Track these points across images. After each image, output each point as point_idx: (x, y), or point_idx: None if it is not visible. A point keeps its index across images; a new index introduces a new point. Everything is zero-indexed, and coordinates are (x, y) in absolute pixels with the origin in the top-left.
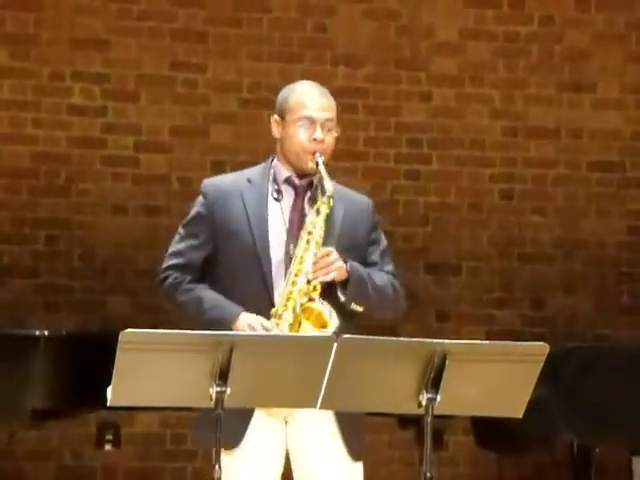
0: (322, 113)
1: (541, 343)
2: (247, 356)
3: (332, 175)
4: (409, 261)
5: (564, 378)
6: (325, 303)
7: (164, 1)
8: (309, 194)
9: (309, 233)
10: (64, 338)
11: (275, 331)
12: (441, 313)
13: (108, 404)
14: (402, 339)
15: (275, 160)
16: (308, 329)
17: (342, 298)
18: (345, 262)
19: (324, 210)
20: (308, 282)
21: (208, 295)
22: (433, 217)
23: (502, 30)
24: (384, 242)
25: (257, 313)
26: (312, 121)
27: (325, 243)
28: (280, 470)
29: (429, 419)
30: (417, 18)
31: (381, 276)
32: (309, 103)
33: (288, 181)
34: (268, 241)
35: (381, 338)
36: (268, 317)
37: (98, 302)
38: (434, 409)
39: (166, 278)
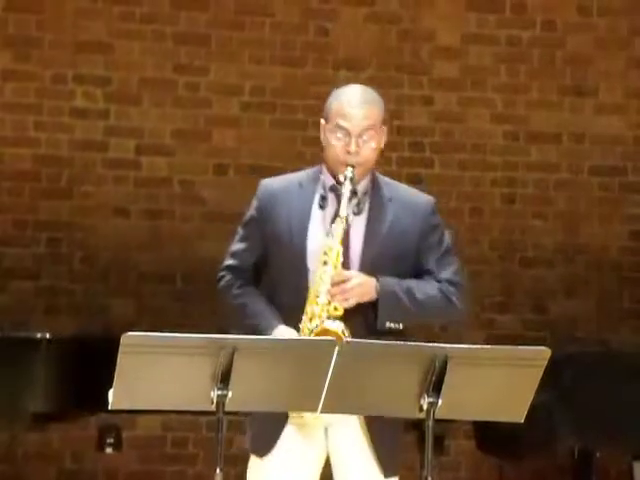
0: (359, 123)
1: (542, 348)
2: (249, 359)
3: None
4: None
5: (565, 383)
6: (339, 323)
7: (166, 4)
8: (354, 201)
9: (325, 254)
10: (65, 341)
11: None
12: None
13: (109, 407)
14: (403, 343)
15: (323, 164)
16: None
17: (374, 317)
18: (377, 280)
19: (338, 232)
20: (329, 303)
21: (252, 303)
22: None
23: (504, 34)
24: (445, 246)
25: (292, 322)
26: (347, 132)
27: (365, 252)
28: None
29: (430, 423)
30: (419, 22)
31: (428, 288)
32: (346, 111)
33: (333, 189)
34: (306, 251)
35: (382, 342)
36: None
37: (100, 305)
38: (435, 413)
39: (222, 278)
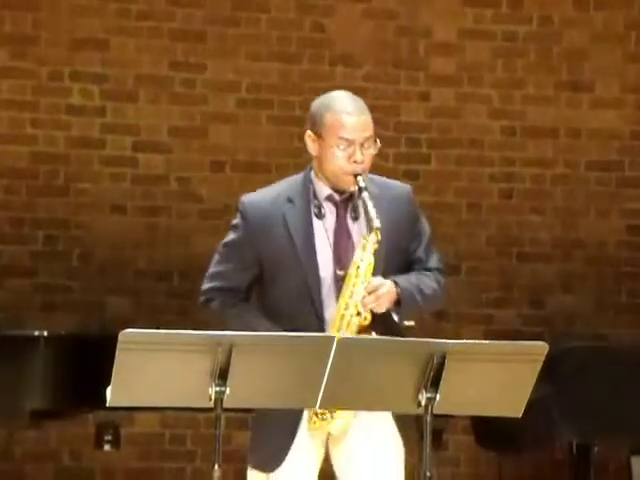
0: (361, 133)
1: (540, 343)
2: (246, 356)
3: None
4: None
5: (563, 377)
6: (374, 334)
7: (162, 1)
8: (350, 207)
9: (357, 268)
10: (63, 338)
11: None
12: (440, 313)
13: (107, 404)
14: (401, 339)
15: (312, 175)
16: None
17: (396, 319)
18: (396, 284)
19: (371, 245)
20: (358, 314)
21: (254, 321)
22: (432, 217)
23: (501, 30)
24: (427, 232)
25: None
26: (351, 143)
27: (376, 251)
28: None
29: (428, 418)
30: (416, 18)
31: (428, 281)
32: (347, 123)
33: (329, 198)
34: (317, 262)
35: (380, 338)
36: None
37: (97, 302)
38: (433, 408)
39: (210, 300)
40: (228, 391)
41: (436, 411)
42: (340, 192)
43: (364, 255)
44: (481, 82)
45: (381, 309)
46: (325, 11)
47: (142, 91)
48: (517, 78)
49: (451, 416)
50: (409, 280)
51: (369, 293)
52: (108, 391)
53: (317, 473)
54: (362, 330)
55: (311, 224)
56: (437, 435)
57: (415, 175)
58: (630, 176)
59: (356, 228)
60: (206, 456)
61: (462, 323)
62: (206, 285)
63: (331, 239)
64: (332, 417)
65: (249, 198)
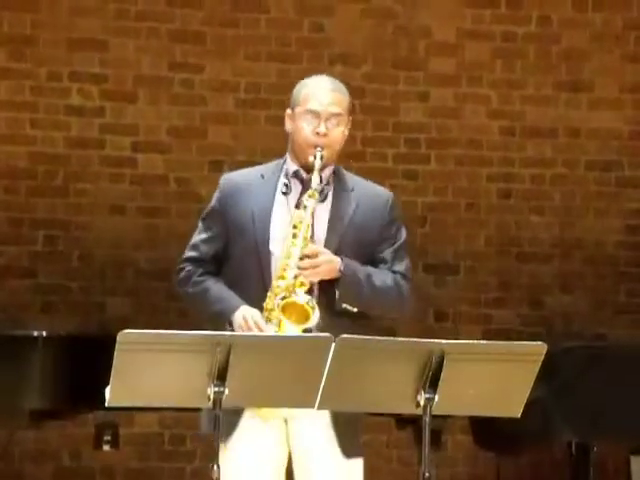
0: (327, 107)
1: (539, 343)
2: (245, 356)
3: (352, 170)
4: None
5: (562, 377)
6: (304, 295)
7: (161, 2)
8: (323, 184)
9: (294, 227)
10: (62, 338)
11: (265, 325)
12: (439, 313)
13: (106, 404)
14: (400, 339)
15: (287, 154)
16: (288, 325)
17: (336, 296)
18: (341, 260)
19: (310, 204)
20: (295, 277)
21: (214, 288)
22: (431, 217)
23: (500, 30)
24: (401, 239)
25: (256, 306)
26: (317, 114)
27: (329, 238)
28: (279, 471)
29: (427, 419)
30: (415, 18)
31: (385, 277)
32: (317, 96)
33: (296, 175)
34: (269, 236)
35: (379, 338)
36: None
37: (96, 303)
38: (432, 409)
39: (181, 269)
40: (227, 391)
41: (435, 411)
42: (307, 170)
43: (302, 215)
44: (480, 82)
45: (315, 277)
46: (324, 11)
47: (141, 91)
48: (516, 78)
49: (449, 416)
50: (360, 266)
51: (306, 256)
52: (107, 391)
53: (281, 455)
54: (292, 293)
55: (273, 198)
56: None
57: (414, 175)
58: (629, 176)
59: (321, 208)
60: (205, 456)
61: (461, 323)
62: (183, 256)
63: (292, 214)
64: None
65: (228, 174)
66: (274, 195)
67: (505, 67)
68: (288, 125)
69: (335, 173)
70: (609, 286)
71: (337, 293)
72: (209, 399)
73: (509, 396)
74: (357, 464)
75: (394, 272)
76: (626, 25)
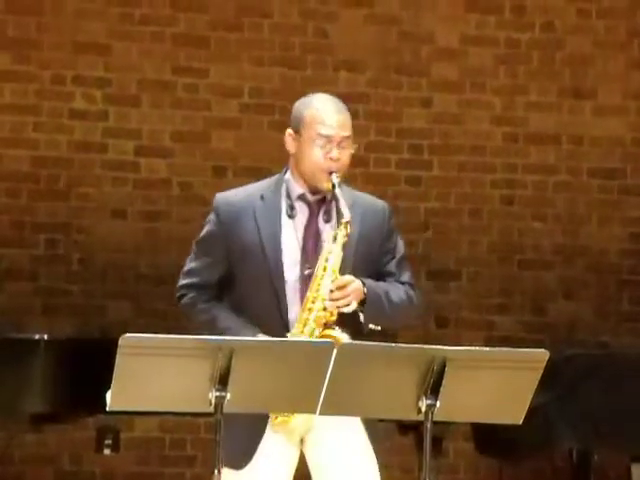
0: (339, 131)
1: (541, 350)
2: (247, 361)
3: (347, 182)
4: None
5: (564, 385)
6: (342, 330)
7: (166, 6)
8: (323, 209)
9: (326, 260)
10: (63, 342)
11: None
12: (441, 319)
13: (107, 408)
14: (402, 345)
15: (288, 174)
16: None
17: (361, 319)
18: (363, 283)
19: (341, 237)
20: (324, 309)
21: (222, 316)
22: (434, 223)
23: (503, 36)
24: (401, 249)
25: (270, 335)
26: (329, 139)
27: (344, 259)
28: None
29: (429, 425)
30: (418, 24)
31: (398, 291)
32: (326, 120)
33: (302, 198)
34: (282, 261)
35: (381, 344)
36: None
37: (98, 306)
38: (434, 415)
39: (182, 296)
40: (228, 396)
41: (436, 418)
42: (314, 192)
43: (333, 247)
44: (483, 88)
45: (348, 306)
46: (328, 17)
47: (145, 96)
48: (520, 84)
49: (451, 423)
50: (378, 284)
51: (337, 288)
52: (108, 395)
53: (291, 473)
54: (327, 326)
55: (279, 221)
56: (437, 442)
57: (417, 181)
58: (632, 184)
59: (328, 230)
60: (206, 461)
61: (463, 329)
62: (180, 282)
63: (300, 239)
64: (293, 414)
65: (222, 195)
66: (280, 218)
67: (509, 73)
68: (291, 146)
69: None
70: (612, 294)
71: (362, 316)
72: (211, 404)
73: (511, 403)
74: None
75: (402, 283)
76: (630, 32)
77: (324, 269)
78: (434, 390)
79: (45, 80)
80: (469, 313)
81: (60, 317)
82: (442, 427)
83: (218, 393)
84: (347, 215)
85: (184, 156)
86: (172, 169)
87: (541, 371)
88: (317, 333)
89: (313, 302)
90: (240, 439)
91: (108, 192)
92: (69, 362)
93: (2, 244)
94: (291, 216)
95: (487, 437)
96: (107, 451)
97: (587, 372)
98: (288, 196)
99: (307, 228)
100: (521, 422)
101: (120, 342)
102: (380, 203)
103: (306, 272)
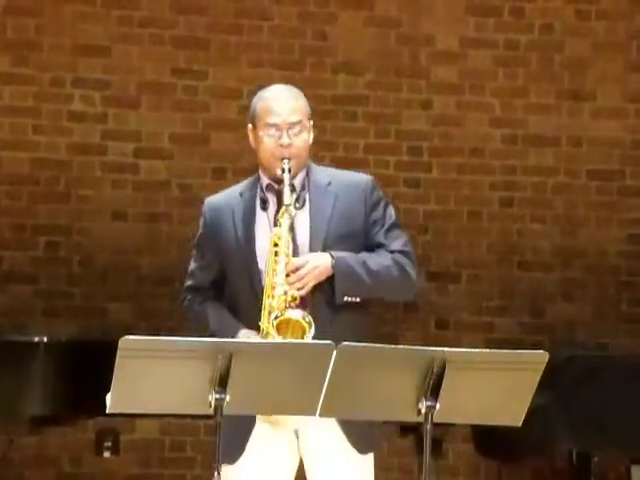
0: (286, 117)
1: (540, 351)
2: (246, 363)
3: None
4: None
5: (563, 386)
6: (298, 310)
7: (165, 8)
8: (294, 195)
9: (275, 245)
10: (63, 344)
11: None
12: (440, 321)
13: (107, 411)
14: (401, 347)
15: (259, 170)
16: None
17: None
18: (332, 257)
19: (285, 221)
20: (285, 293)
21: (213, 315)
22: (433, 225)
23: (502, 38)
24: (390, 218)
25: (253, 325)
26: (277, 127)
27: (315, 236)
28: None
29: (428, 427)
30: (418, 26)
31: (381, 259)
32: (273, 108)
33: (270, 188)
34: (255, 253)
35: (380, 346)
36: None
37: (98, 308)
38: (433, 417)
39: (184, 299)
40: (228, 398)
41: (436, 420)
42: (276, 181)
43: (279, 231)
44: (483, 90)
45: (305, 289)
46: (327, 19)
47: (144, 98)
48: (519, 86)
49: (451, 425)
50: (353, 255)
51: (292, 272)
52: (108, 398)
53: (291, 464)
54: (294, 307)
55: (254, 215)
56: (437, 444)
57: (416, 183)
58: (631, 185)
59: (300, 217)
60: (206, 463)
61: (462, 331)
62: (184, 284)
63: (272, 229)
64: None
65: (209, 198)
66: (254, 212)
67: (508, 75)
68: (251, 140)
69: (308, 174)
70: (610, 295)
71: (336, 288)
72: (210, 406)
73: (510, 405)
74: (369, 459)
75: (392, 252)
76: (629, 34)
77: (275, 254)
78: (434, 392)
79: (44, 82)
80: (469, 315)
81: (60, 319)
82: (442, 429)
83: (218, 395)
84: (287, 199)
85: (183, 158)
86: (171, 171)
87: (541, 373)
88: (275, 317)
89: (273, 288)
90: (230, 434)
91: (108, 194)
92: (69, 364)
93: (2, 246)
94: (264, 208)
95: (487, 439)
96: (107, 453)
97: (587, 373)
98: (261, 189)
99: (275, 217)
100: (521, 424)
101: (120, 344)
102: (361, 177)
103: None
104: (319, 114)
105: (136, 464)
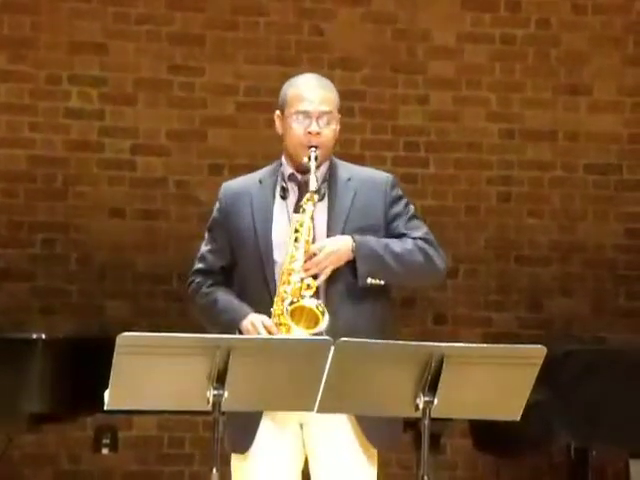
0: (317, 106)
1: (538, 346)
2: (244, 359)
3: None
4: None
5: (561, 381)
6: (313, 299)
7: (161, 5)
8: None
9: (296, 231)
10: (61, 341)
11: (275, 328)
12: (438, 316)
13: (105, 408)
14: (399, 342)
15: (282, 157)
16: (297, 331)
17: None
18: (353, 239)
19: (309, 207)
20: (302, 280)
21: (223, 299)
22: (430, 220)
23: (499, 33)
24: (409, 212)
25: (263, 312)
26: (307, 114)
27: (332, 229)
28: (296, 476)
29: (426, 422)
30: (414, 21)
31: (404, 243)
32: (305, 96)
33: (292, 178)
34: (271, 242)
35: (378, 341)
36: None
37: (95, 305)
38: (431, 412)
39: (192, 282)
40: (226, 394)
41: (434, 414)
42: (300, 171)
43: (301, 218)
44: (479, 85)
45: (325, 273)
46: (324, 15)
47: (141, 94)
48: (515, 81)
49: (449, 420)
50: (375, 239)
51: (309, 258)
52: (106, 394)
53: (297, 458)
54: (309, 295)
55: (272, 203)
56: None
57: (413, 179)
58: (628, 179)
59: (319, 209)
60: (204, 459)
61: (460, 326)
62: (193, 268)
63: (291, 219)
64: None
65: (227, 182)
66: (273, 200)
67: (504, 70)
68: (278, 127)
69: (330, 168)
70: (608, 289)
71: (358, 270)
72: (208, 402)
73: (508, 399)
74: (372, 454)
75: (414, 239)
76: (625, 28)
77: (296, 240)
78: (432, 387)
79: (41, 79)
80: (466, 310)
81: (58, 316)
82: (440, 424)
83: (216, 391)
84: (314, 186)
85: (180, 154)
86: (168, 167)
87: (539, 367)
88: (290, 302)
89: (289, 274)
90: (240, 423)
91: (105, 191)
92: (67, 361)
93: None
94: (283, 197)
95: (485, 434)
96: (105, 450)
97: (585, 368)
98: (282, 178)
99: (296, 207)
100: (519, 418)
101: (118, 341)
102: (381, 175)
103: None
104: None
105: (134, 461)
